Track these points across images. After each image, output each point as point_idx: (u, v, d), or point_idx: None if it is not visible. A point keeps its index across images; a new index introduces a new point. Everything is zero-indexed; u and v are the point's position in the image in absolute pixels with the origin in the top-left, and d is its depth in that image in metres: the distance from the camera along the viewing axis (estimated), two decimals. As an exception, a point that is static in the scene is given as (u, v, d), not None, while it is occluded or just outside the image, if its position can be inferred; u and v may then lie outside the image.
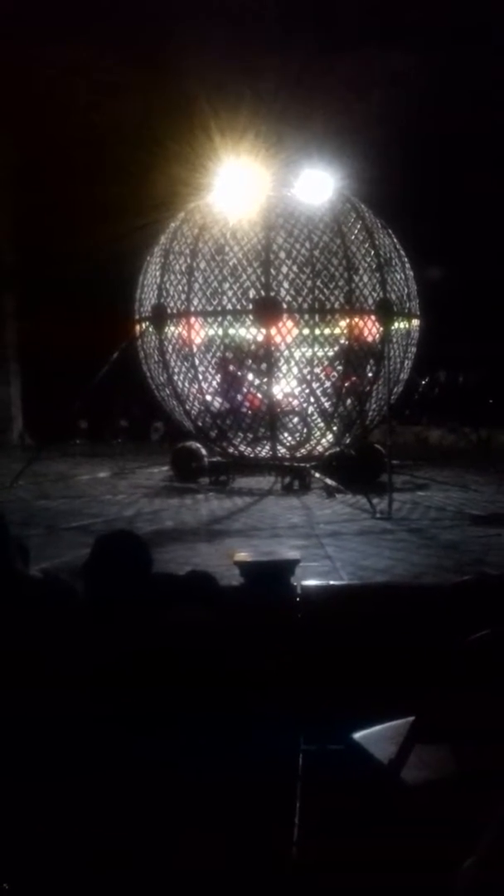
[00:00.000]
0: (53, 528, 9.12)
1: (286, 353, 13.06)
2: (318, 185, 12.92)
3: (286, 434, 13.52)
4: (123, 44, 16.54)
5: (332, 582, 6.15)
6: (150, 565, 2.94)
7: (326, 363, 13.35)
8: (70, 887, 2.32)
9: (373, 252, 13.29)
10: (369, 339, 13.38)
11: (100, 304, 16.59)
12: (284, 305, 12.98)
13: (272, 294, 12.95)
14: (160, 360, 13.67)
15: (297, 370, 13.18)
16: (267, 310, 12.81)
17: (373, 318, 13.23)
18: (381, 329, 13.19)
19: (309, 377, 13.10)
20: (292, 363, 13.14)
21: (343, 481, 11.67)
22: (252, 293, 13.07)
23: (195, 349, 13.28)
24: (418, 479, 12.65)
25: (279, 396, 13.40)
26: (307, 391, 13.21)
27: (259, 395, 13.43)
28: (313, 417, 13.52)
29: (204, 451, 13.42)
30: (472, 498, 11.15)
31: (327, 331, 13.23)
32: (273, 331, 12.90)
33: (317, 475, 12.28)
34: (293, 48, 16.70)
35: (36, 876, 2.34)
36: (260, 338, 13.19)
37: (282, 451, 13.40)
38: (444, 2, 16.44)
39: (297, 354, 13.07)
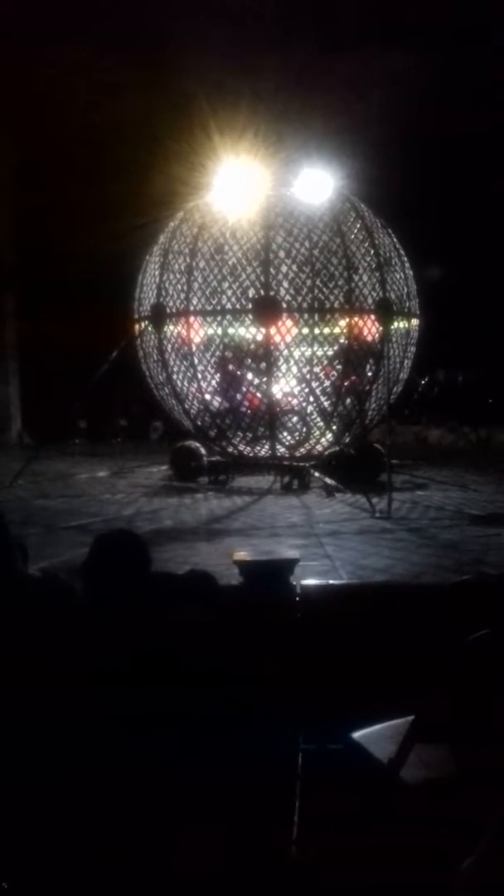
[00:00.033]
0: (52, 527, 9.11)
1: (285, 352, 13.05)
2: (318, 184, 12.92)
3: (285, 433, 13.51)
4: (123, 44, 16.54)
5: (331, 581, 6.15)
6: (149, 564, 2.94)
7: (326, 362, 13.35)
8: (70, 887, 2.32)
9: (372, 251, 13.29)
10: (369, 338, 13.37)
11: (99, 303, 16.59)
12: (284, 305, 12.97)
13: (271, 293, 12.94)
14: (159, 360, 13.66)
15: (296, 369, 13.18)
16: (266, 309, 12.80)
17: (372, 317, 13.23)
18: (381, 328, 13.19)
19: (308, 376, 13.10)
20: (292, 362, 13.14)
21: (342, 481, 11.66)
22: (251, 292, 13.06)
23: (194, 348, 13.28)
24: (418, 478, 12.64)
25: (278, 396, 13.40)
26: (306, 390, 13.21)
27: (258, 395, 13.43)
28: (313, 417, 13.51)
29: (203, 451, 13.42)
30: (472, 497, 11.14)
31: (327, 330, 13.23)
32: (272, 330, 12.90)
33: (316, 474, 12.28)
34: (293, 48, 16.70)
35: (36, 875, 2.33)
36: (259, 337, 13.18)
37: (281, 450, 13.40)
38: (443, 2, 16.44)
39: (296, 354, 13.06)
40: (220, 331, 13.28)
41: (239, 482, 12.98)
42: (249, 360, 13.46)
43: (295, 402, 13.50)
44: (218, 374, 13.40)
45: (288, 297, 13.09)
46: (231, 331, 13.32)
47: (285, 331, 12.94)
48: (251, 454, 13.57)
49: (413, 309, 14.02)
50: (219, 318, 13.22)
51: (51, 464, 14.77)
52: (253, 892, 2.47)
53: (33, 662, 2.51)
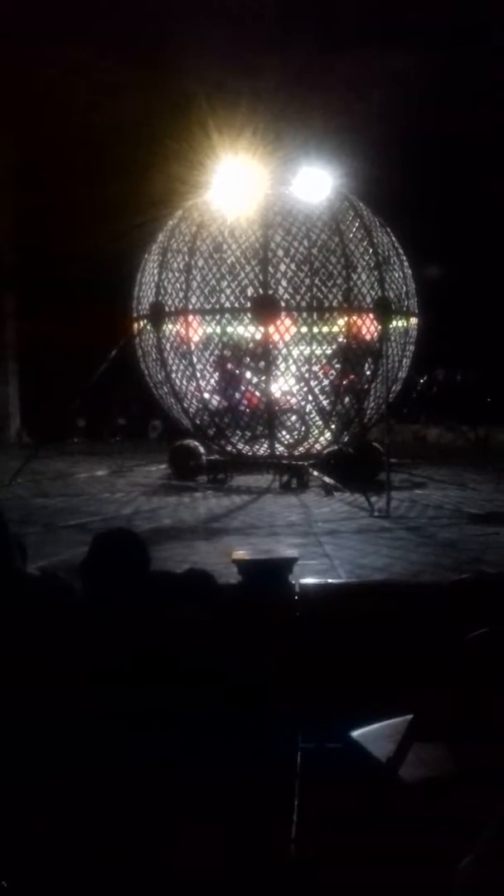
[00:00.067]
0: (51, 526, 9.11)
1: (284, 351, 13.06)
2: (317, 183, 12.92)
3: (284, 432, 13.52)
4: (123, 43, 16.53)
5: (330, 580, 6.15)
6: (148, 563, 2.94)
7: (324, 361, 13.36)
8: (70, 887, 2.32)
9: (371, 250, 13.30)
10: (367, 337, 13.38)
11: (98, 302, 16.59)
12: (282, 303, 12.98)
13: (270, 292, 12.95)
14: (158, 358, 13.67)
15: (295, 368, 13.19)
16: (265, 308, 12.80)
17: (371, 316, 13.24)
18: (380, 327, 13.19)
19: (307, 375, 13.10)
20: (290, 361, 13.14)
21: (341, 479, 11.67)
22: (250, 291, 13.06)
23: (193, 347, 13.28)
24: (416, 477, 12.65)
25: (277, 394, 13.40)
26: (305, 389, 13.21)
27: (257, 393, 13.44)
28: (311, 416, 13.52)
29: (202, 449, 13.42)
30: (470, 496, 11.15)
31: (325, 329, 13.24)
32: (271, 329, 12.90)
33: (315, 473, 12.28)
34: (292, 47, 16.70)
35: (36, 875, 2.34)
36: (258, 336, 13.19)
37: (280, 449, 13.41)
38: (443, 2, 16.44)
39: (295, 352, 13.07)
40: (218, 329, 13.29)
41: (238, 481, 12.98)
42: (248, 359, 13.48)
43: (294, 400, 13.50)
44: (217, 373, 13.41)
45: (286, 296, 13.09)
46: (230, 329, 13.33)
47: (284, 329, 12.94)
48: (250, 453, 13.57)
49: (412, 308, 14.03)
50: (217, 317, 13.22)
51: (50, 463, 14.77)
52: (252, 891, 2.47)
53: (32, 661, 2.51)
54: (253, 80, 16.44)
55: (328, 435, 13.54)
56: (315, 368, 13.19)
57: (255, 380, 13.51)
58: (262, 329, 13.01)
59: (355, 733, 2.83)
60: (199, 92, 15.87)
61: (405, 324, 13.97)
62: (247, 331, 13.29)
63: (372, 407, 13.71)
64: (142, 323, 13.88)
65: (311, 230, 13.07)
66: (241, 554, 4.25)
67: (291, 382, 13.35)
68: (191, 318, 13.23)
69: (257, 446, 13.54)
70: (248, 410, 13.47)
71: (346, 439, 13.64)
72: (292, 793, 2.90)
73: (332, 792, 2.92)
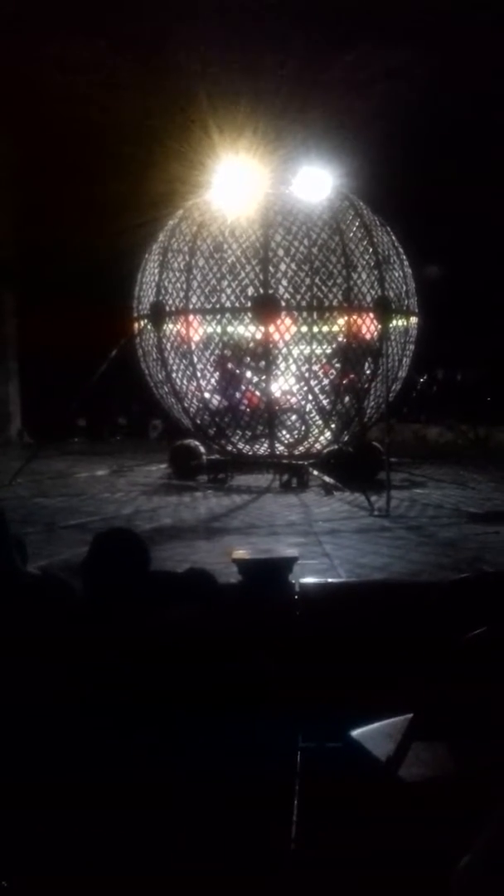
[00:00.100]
0: (52, 525, 9.12)
1: (284, 350, 13.07)
2: (317, 182, 12.93)
3: (284, 432, 13.53)
4: (123, 43, 16.52)
5: (330, 579, 6.16)
6: (149, 563, 2.94)
7: (325, 361, 13.36)
8: (70, 886, 2.32)
9: (371, 249, 13.30)
10: (367, 336, 13.39)
11: (98, 301, 16.59)
12: (283, 303, 12.99)
13: (270, 291, 12.96)
14: (158, 358, 13.67)
15: (295, 368, 13.19)
16: (265, 307, 12.81)
17: (371, 315, 13.25)
18: (380, 326, 13.20)
19: (307, 375, 13.11)
20: (290, 361, 13.15)
21: (341, 479, 11.68)
22: (250, 291, 13.07)
23: (193, 347, 13.29)
24: (416, 476, 12.65)
25: (277, 394, 13.41)
26: (305, 389, 13.22)
27: (257, 393, 13.44)
28: (311, 415, 13.53)
29: (202, 449, 13.43)
30: (470, 496, 11.16)
31: (325, 328, 13.25)
32: (271, 328, 12.90)
33: (315, 473, 12.29)
34: (292, 45, 16.68)
35: (36, 875, 2.34)
36: (258, 335, 13.19)
37: (280, 448, 13.41)
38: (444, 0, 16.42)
39: (295, 352, 13.08)
40: (219, 329, 13.30)
41: (238, 480, 12.99)
42: (248, 359, 13.48)
43: (294, 400, 13.51)
44: (217, 373, 13.42)
45: (287, 296, 13.10)
46: (230, 329, 13.33)
47: (284, 329, 12.95)
48: (250, 452, 13.58)
49: (412, 307, 14.03)
50: (218, 317, 13.23)
51: (50, 462, 14.77)
52: (251, 890, 2.47)
53: (32, 661, 2.52)
54: (252, 78, 16.42)
55: (328, 434, 13.55)
56: (315, 368, 13.20)
57: (255, 379, 13.52)
58: (262, 328, 13.01)
59: (355, 733, 2.83)
60: (200, 91, 15.86)
61: (405, 323, 13.97)
62: (247, 330, 13.30)
63: (372, 406, 13.71)
64: (142, 322, 13.88)
65: (312, 229, 13.07)
66: (241, 553, 4.25)
67: (291, 382, 13.36)
68: (191, 317, 13.24)
69: (257, 446, 13.55)
70: (248, 410, 13.48)
71: (346, 439, 13.65)
72: (292, 792, 2.90)
73: (331, 791, 2.92)
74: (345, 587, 5.14)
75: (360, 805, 2.68)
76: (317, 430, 13.55)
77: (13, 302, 21.66)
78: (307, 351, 13.01)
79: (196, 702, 2.51)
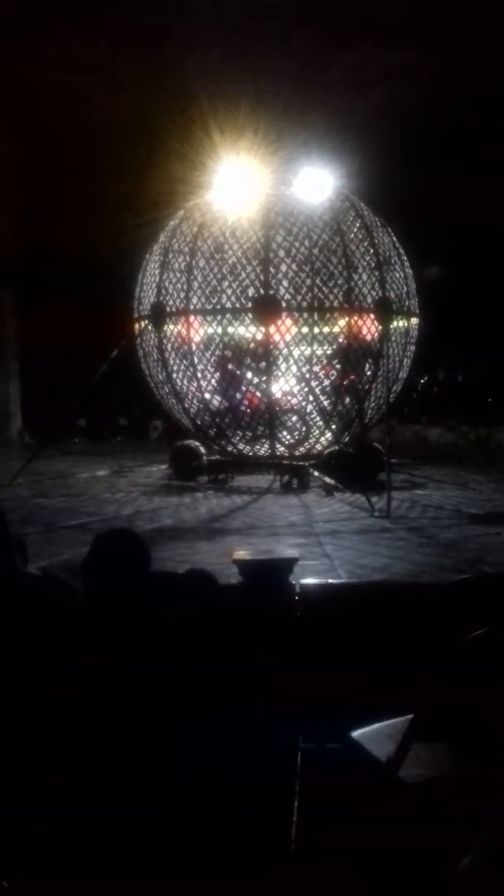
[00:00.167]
0: (52, 526, 9.12)
1: (285, 351, 13.06)
2: (318, 183, 12.93)
3: (285, 432, 13.52)
4: (124, 42, 16.53)
5: (330, 580, 6.16)
6: (149, 563, 2.94)
7: (325, 361, 13.36)
8: (70, 886, 2.33)
9: (372, 250, 13.29)
10: (368, 337, 13.38)
11: (99, 302, 16.58)
12: (283, 304, 12.98)
13: (271, 292, 12.95)
14: (159, 359, 13.67)
15: (295, 368, 13.19)
16: (266, 308, 12.81)
17: (372, 316, 13.24)
18: (380, 327, 13.19)
19: (308, 375, 13.10)
20: (291, 361, 13.15)
21: (342, 480, 11.68)
22: (251, 291, 13.07)
23: (194, 347, 13.29)
24: (417, 477, 12.65)
25: (278, 395, 13.41)
26: (306, 389, 13.22)
27: (258, 394, 13.44)
28: (312, 416, 13.52)
29: (203, 450, 13.43)
30: (471, 496, 11.16)
31: (326, 329, 13.24)
32: (272, 329, 12.90)
33: (315, 473, 12.29)
34: (293, 46, 16.68)
35: (36, 875, 2.34)
36: (259, 336, 13.19)
37: (280, 449, 13.41)
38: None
39: (295, 353, 13.07)
40: (219, 330, 13.29)
41: (238, 481, 12.99)
42: (249, 360, 13.47)
43: (294, 401, 13.50)
44: (217, 373, 13.41)
45: (287, 296, 13.10)
46: (231, 330, 13.33)
47: (285, 330, 12.95)
48: (251, 453, 13.58)
49: (412, 308, 14.03)
50: (218, 317, 13.23)
51: (50, 463, 14.77)
52: (251, 890, 2.47)
53: (32, 661, 2.52)
54: (253, 78, 16.43)
55: (329, 435, 13.55)
56: (316, 369, 13.19)
57: (255, 380, 13.52)
58: (263, 329, 13.01)
59: (355, 733, 2.83)
60: (201, 92, 15.86)
61: (406, 324, 13.97)
62: (248, 331, 13.30)
63: (373, 407, 13.71)
64: (143, 323, 13.88)
65: (313, 230, 13.07)
66: (241, 554, 4.25)
67: (292, 383, 13.36)
68: (192, 318, 13.24)
69: (258, 446, 13.54)
70: (248, 411, 13.48)
71: (346, 439, 13.65)
72: (292, 793, 2.90)
73: (332, 792, 2.92)
74: (345, 588, 5.14)
75: (360, 805, 2.68)
76: (317, 431, 13.55)
77: (13, 302, 21.66)
78: (308, 352, 13.00)
79: (196, 702, 2.51)
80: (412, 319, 14.06)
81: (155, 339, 13.65)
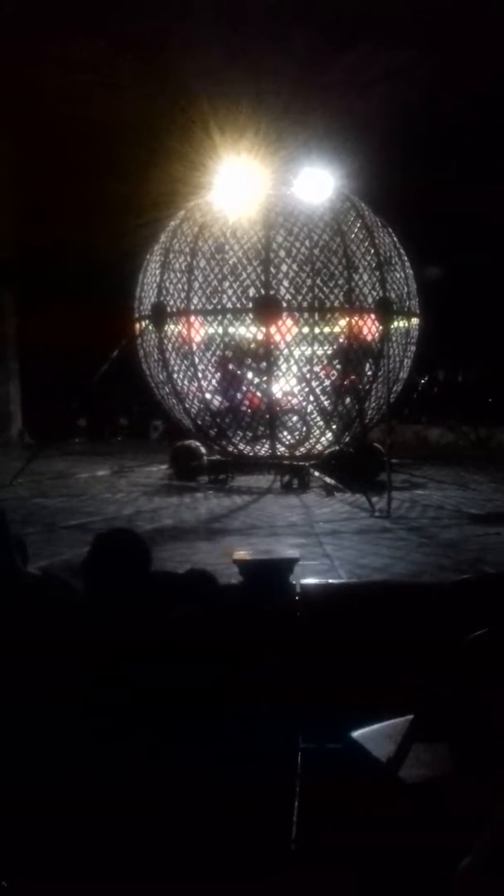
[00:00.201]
0: (52, 526, 9.12)
1: (286, 351, 13.06)
2: (318, 183, 12.92)
3: (285, 432, 13.52)
4: (124, 42, 16.53)
5: (330, 580, 6.16)
6: (149, 563, 2.94)
7: (326, 362, 13.36)
8: (70, 887, 2.32)
9: (372, 251, 13.29)
10: (369, 337, 13.38)
11: (100, 302, 16.58)
12: (284, 304, 12.98)
13: (272, 292, 12.95)
14: (160, 359, 13.67)
15: (296, 369, 13.19)
16: (266, 308, 12.81)
17: (372, 316, 13.24)
18: (381, 328, 13.19)
19: (308, 376, 13.10)
20: (292, 362, 13.15)
21: (342, 480, 11.67)
22: (252, 292, 13.07)
23: (195, 347, 13.28)
24: (417, 477, 12.65)
25: (278, 395, 13.40)
26: (306, 390, 13.21)
27: (258, 394, 13.43)
28: (312, 416, 13.52)
29: (203, 450, 13.43)
30: (471, 497, 11.15)
31: (327, 329, 13.24)
32: (273, 329, 12.90)
33: (316, 474, 12.28)
34: (294, 46, 16.69)
35: (36, 875, 2.34)
36: (259, 336, 13.18)
37: (281, 449, 13.40)
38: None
39: (296, 353, 13.07)
40: (220, 330, 13.29)
41: (239, 481, 12.99)
42: (249, 360, 13.47)
43: (295, 401, 13.50)
44: (218, 374, 13.41)
45: (288, 297, 13.09)
46: (231, 330, 13.33)
47: (285, 330, 12.95)
48: (251, 453, 13.58)
49: (413, 308, 14.02)
50: (219, 318, 13.22)
51: (51, 463, 14.77)
52: (251, 890, 2.47)
53: (32, 661, 2.52)
54: (254, 78, 16.43)
55: (329, 435, 13.54)
56: (316, 369, 13.19)
57: (256, 380, 13.51)
58: (263, 329, 13.01)
59: (355, 733, 2.83)
60: (201, 92, 15.87)
61: (406, 324, 13.96)
62: (248, 331, 13.29)
63: (373, 407, 13.70)
64: (144, 323, 13.88)
65: (313, 231, 13.07)
66: (242, 554, 4.25)
67: (293, 383, 13.35)
68: (192, 318, 13.23)
69: (258, 447, 13.54)
70: (249, 411, 13.47)
71: (347, 440, 13.64)
72: (292, 793, 2.90)
73: (332, 792, 2.92)
74: (345, 588, 5.13)
75: (361, 806, 2.68)
76: (318, 431, 13.55)
77: (13, 302, 21.65)
78: (308, 352, 13.00)
79: (196, 702, 2.51)
80: (413, 320, 14.05)
81: (155, 340, 13.65)
